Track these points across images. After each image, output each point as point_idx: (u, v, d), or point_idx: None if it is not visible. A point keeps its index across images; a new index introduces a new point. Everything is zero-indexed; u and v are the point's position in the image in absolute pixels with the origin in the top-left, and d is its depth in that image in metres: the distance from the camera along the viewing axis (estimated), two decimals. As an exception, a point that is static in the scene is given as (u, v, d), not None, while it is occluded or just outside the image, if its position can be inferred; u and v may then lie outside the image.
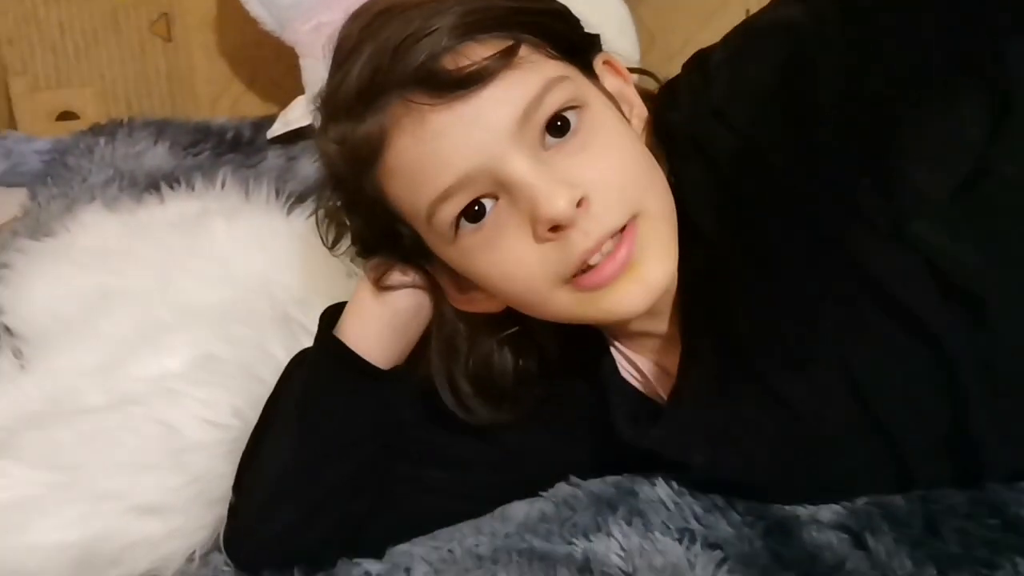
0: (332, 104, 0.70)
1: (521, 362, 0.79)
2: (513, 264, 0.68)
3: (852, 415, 0.72)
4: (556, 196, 0.64)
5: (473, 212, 0.67)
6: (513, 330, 0.77)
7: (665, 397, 0.78)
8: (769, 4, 0.75)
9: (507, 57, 0.65)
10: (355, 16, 0.71)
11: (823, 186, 0.68)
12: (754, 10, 1.48)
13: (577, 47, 0.72)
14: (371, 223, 0.73)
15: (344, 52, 0.70)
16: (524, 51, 0.66)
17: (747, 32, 0.74)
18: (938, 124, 0.67)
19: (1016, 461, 0.74)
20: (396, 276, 0.76)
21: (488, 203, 0.67)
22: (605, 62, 0.75)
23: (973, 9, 0.67)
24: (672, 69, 1.47)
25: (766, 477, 0.77)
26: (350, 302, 0.79)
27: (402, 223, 0.71)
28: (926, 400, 0.71)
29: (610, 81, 0.75)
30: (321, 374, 0.78)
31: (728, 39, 0.75)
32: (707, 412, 0.75)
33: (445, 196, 0.66)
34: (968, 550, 0.71)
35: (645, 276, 0.68)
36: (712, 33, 1.48)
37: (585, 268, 0.67)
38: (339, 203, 0.74)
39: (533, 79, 0.66)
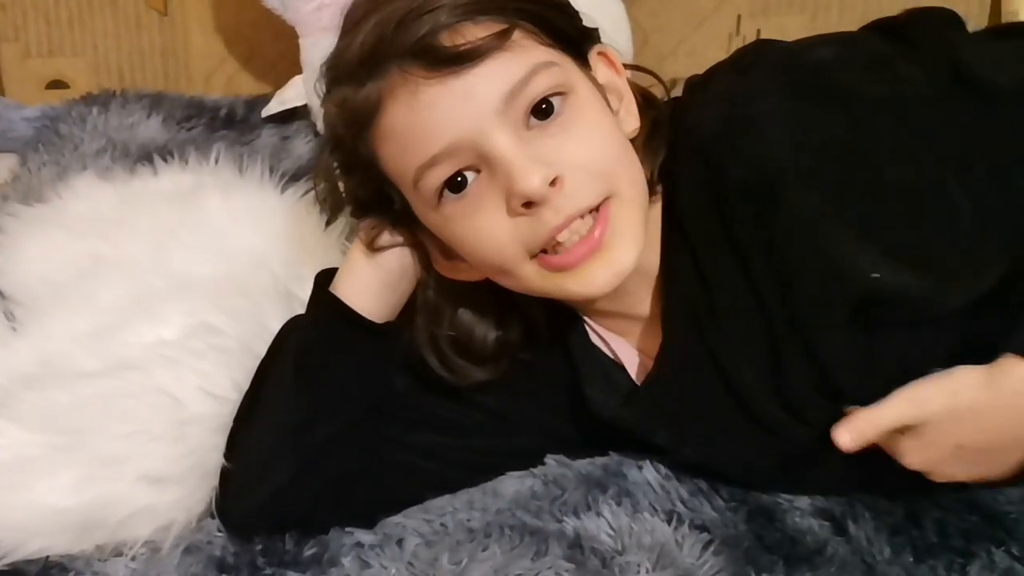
0: (337, 69, 0.73)
1: (502, 332, 0.81)
2: (486, 234, 0.71)
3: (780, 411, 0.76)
4: (531, 173, 0.68)
5: (456, 183, 0.70)
6: (494, 299, 0.79)
7: (639, 381, 0.81)
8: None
9: (500, 39, 0.68)
10: None
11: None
12: (745, 16, 1.51)
13: (571, 38, 0.75)
14: (365, 184, 0.77)
15: (351, 22, 0.73)
16: (517, 35, 0.70)
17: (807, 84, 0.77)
18: None
19: None
20: (386, 237, 0.80)
21: (470, 175, 0.70)
22: (600, 53, 0.78)
23: None
24: (665, 68, 1.48)
25: (727, 464, 0.80)
26: (344, 262, 0.83)
27: (392, 187, 0.75)
28: None
29: (603, 72, 0.78)
30: (318, 329, 0.81)
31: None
32: (676, 395, 0.79)
33: (431, 163, 0.70)
34: (945, 539, 0.73)
35: (614, 259, 0.71)
36: (705, 35, 1.50)
37: (554, 245, 0.70)
38: (336, 164, 0.78)
39: (522, 62, 0.69)
